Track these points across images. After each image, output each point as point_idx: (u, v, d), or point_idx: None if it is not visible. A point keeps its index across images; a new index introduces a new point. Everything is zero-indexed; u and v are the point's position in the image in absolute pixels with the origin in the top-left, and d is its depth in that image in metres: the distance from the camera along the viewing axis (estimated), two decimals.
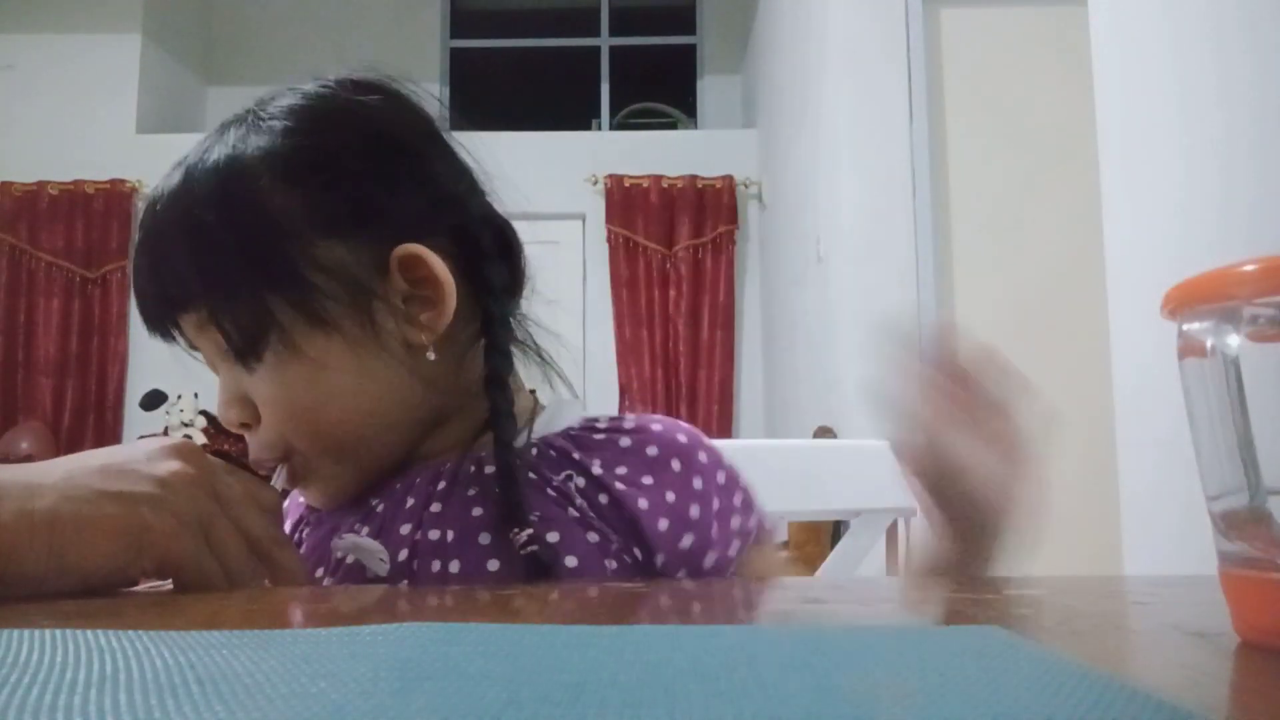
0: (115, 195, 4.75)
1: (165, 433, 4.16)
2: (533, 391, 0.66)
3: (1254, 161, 1.28)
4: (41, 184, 4.73)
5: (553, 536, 0.56)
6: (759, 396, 4.71)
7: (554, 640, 0.29)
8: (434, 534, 0.58)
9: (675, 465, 0.60)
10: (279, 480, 0.60)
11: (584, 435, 0.61)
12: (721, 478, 0.62)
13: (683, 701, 0.21)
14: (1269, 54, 1.25)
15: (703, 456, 0.62)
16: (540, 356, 0.65)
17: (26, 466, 0.47)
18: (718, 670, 0.24)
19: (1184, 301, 0.31)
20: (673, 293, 4.74)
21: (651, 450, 0.60)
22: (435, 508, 0.59)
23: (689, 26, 5.63)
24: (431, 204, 0.60)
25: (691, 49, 5.63)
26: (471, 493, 0.59)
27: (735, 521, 0.61)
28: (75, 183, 4.74)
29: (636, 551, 0.57)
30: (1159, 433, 1.49)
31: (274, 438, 0.59)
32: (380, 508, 0.61)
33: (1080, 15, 1.74)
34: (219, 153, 0.58)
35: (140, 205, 4.73)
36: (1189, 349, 0.31)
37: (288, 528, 0.69)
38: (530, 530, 0.54)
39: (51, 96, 4.79)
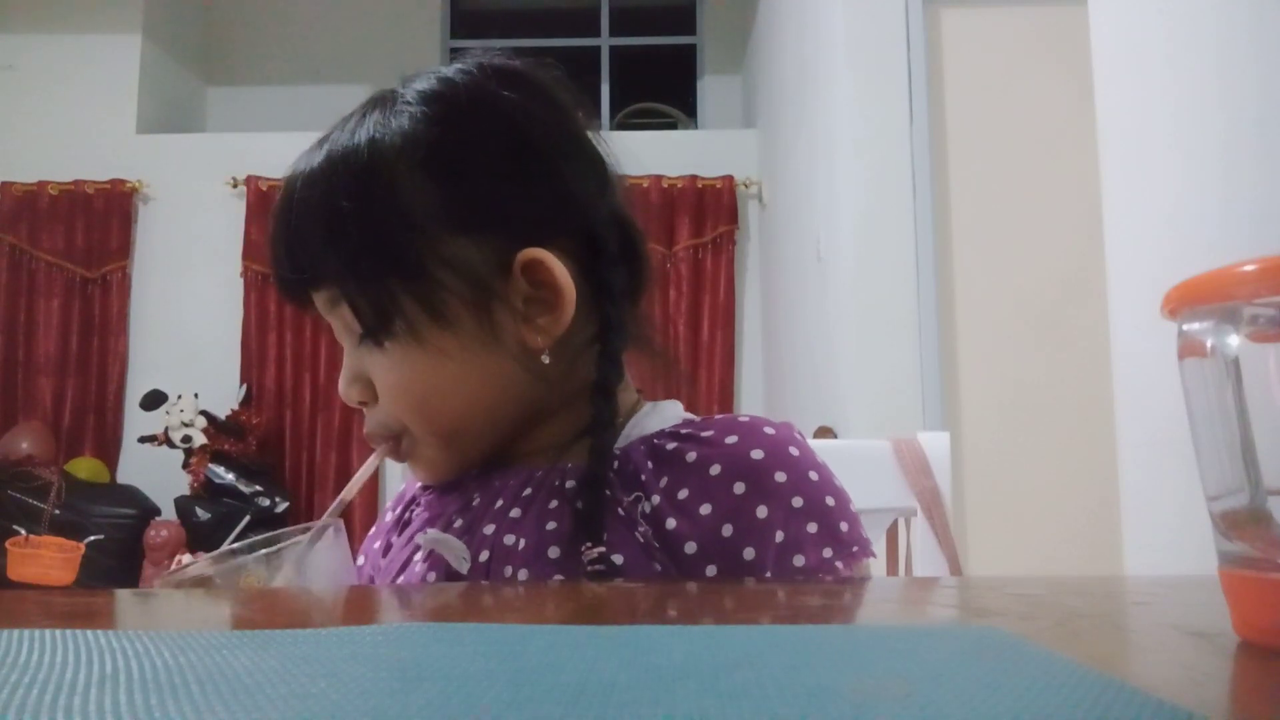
0: (115, 195, 4.73)
1: (165, 433, 4.15)
2: (639, 391, 0.67)
3: (1255, 161, 1.28)
4: (41, 184, 4.72)
5: (618, 559, 0.55)
6: (759, 396, 4.70)
7: (554, 640, 0.29)
8: (510, 539, 0.59)
9: (739, 488, 0.56)
10: (383, 454, 0.63)
11: (661, 446, 0.59)
12: (798, 502, 0.57)
13: (683, 701, 0.21)
14: (1271, 54, 1.25)
15: (780, 476, 0.57)
16: (655, 356, 0.66)
17: None
18: (718, 670, 0.24)
19: (1184, 301, 0.31)
20: (673, 293, 4.73)
21: (715, 469, 0.57)
22: (515, 513, 0.60)
23: (689, 26, 5.62)
24: (561, 206, 0.61)
25: (691, 49, 5.62)
26: (553, 505, 0.59)
27: (798, 560, 0.56)
28: (75, 183, 4.73)
29: None
30: (1159, 433, 1.49)
31: (388, 418, 0.61)
32: (477, 501, 0.62)
33: (1080, 15, 1.74)
34: (360, 138, 0.59)
35: (140, 205, 4.73)
36: (1189, 349, 0.31)
37: (399, 509, 0.71)
38: (601, 549, 0.55)
39: (51, 96, 4.78)
